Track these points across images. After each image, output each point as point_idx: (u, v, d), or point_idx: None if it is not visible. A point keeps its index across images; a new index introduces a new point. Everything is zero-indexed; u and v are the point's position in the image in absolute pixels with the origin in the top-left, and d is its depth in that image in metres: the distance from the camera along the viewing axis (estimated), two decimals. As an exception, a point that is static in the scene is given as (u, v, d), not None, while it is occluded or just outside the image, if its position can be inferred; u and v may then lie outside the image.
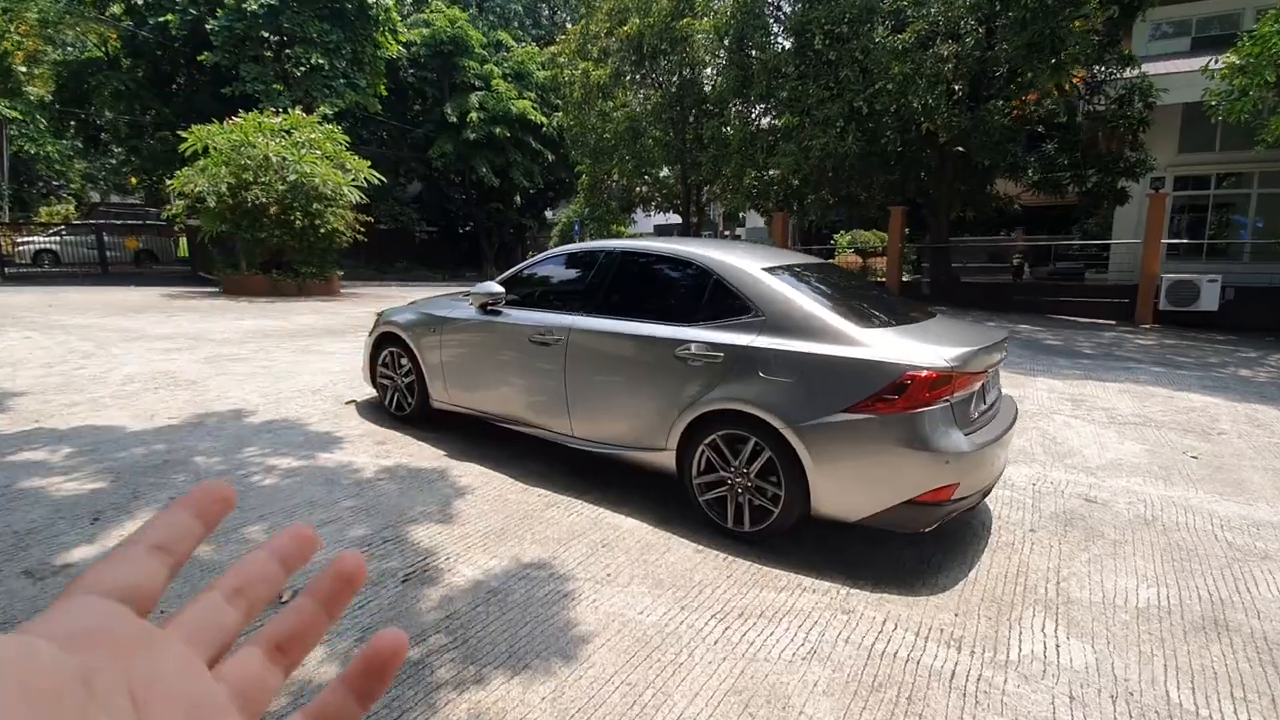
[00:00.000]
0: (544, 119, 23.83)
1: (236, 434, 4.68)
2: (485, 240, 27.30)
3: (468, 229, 29.67)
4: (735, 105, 15.21)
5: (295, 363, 7.22)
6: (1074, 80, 12.61)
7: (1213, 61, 9.67)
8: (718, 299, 3.53)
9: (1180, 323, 12.93)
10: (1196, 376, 7.98)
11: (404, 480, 4.00)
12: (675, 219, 39.13)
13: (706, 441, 3.42)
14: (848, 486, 3.06)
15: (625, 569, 3.06)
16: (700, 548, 3.31)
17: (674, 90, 16.76)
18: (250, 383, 6.22)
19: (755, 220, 35.81)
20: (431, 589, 2.82)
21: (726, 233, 35.67)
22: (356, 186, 14.49)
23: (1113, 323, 13.59)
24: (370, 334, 5.34)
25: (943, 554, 3.34)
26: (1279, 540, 3.56)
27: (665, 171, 18.72)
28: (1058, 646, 2.60)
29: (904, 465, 2.95)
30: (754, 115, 14.48)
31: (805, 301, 3.31)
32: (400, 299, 7.16)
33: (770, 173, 14.42)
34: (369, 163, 14.97)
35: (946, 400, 2.96)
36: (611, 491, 3.93)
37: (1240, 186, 15.04)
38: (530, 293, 4.47)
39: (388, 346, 5.14)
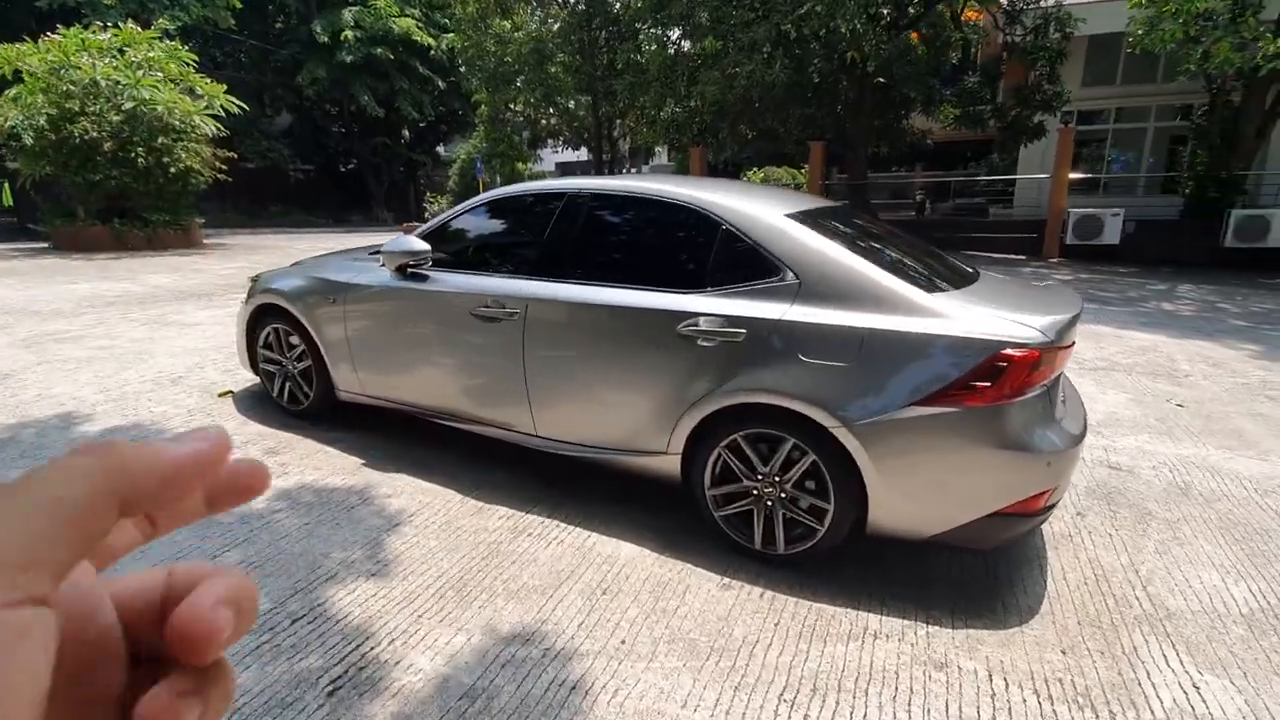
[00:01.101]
0: (432, 40, 21.27)
1: (65, 451, 3.42)
2: (372, 179, 24.64)
3: (350, 167, 26.72)
4: (650, 27, 13.92)
5: (147, 340, 5.75)
6: (997, 6, 12.33)
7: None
8: (732, 257, 2.69)
9: (1084, 256, 13.39)
10: (1128, 313, 8.05)
11: (311, 509, 2.99)
12: (581, 155, 37.32)
13: (725, 443, 2.65)
14: (919, 498, 2.40)
15: (642, 629, 2.28)
16: (725, 580, 2.57)
17: (581, 8, 15.13)
18: (85, 372, 4.80)
19: (661, 157, 34.68)
20: (375, 703, 1.92)
21: (633, 169, 34.38)
22: (212, 116, 12.17)
23: (1022, 257, 13.91)
24: (245, 304, 4.11)
25: (1001, 559, 2.79)
26: (1325, 505, 3.29)
27: (575, 102, 17.18)
28: (1196, 687, 2.09)
29: (995, 469, 2.31)
30: (673, 39, 13.28)
31: (851, 259, 2.53)
32: (279, 250, 5.81)
33: (691, 103, 13.40)
34: (225, 87, 12.58)
35: (1044, 385, 2.31)
36: (593, 504, 3.11)
37: (1138, 120, 15.62)
38: (464, 249, 3.44)
39: (270, 321, 3.96)
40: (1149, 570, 2.72)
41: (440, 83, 22.96)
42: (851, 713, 1.95)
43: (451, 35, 20.21)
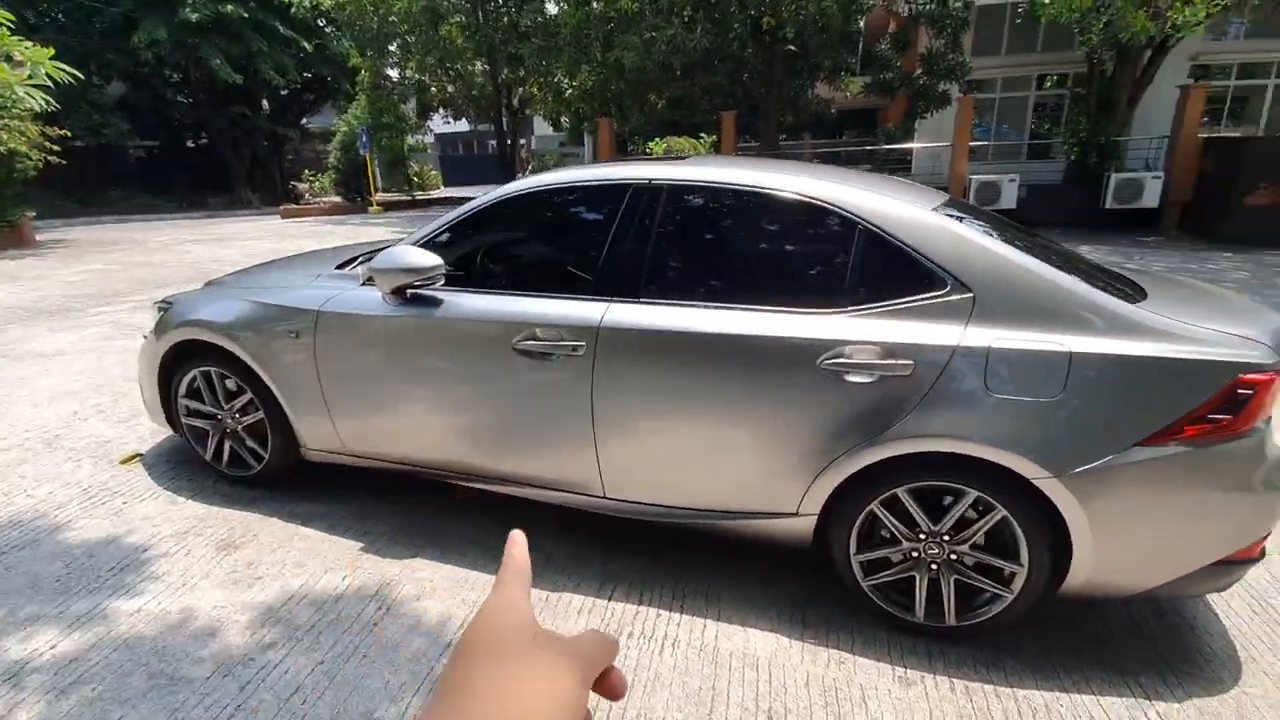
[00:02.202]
0: (293, -4, 18.74)
1: None
2: (232, 155, 21.67)
3: (202, 142, 23.41)
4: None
5: (-9, 383, 4.39)
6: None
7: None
8: (878, 266, 2.12)
9: (987, 220, 14.03)
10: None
11: (318, 636, 2.16)
12: (462, 125, 35.03)
13: (881, 499, 2.12)
14: (1133, 553, 1.99)
15: (848, 772, 1.73)
16: (901, 671, 2.07)
17: None
18: (-97, 439, 3.51)
19: (543, 128, 33.18)
20: None
21: (524, 143, 32.76)
22: (37, 87, 9.86)
23: (931, 223, 14.38)
24: (153, 339, 3.07)
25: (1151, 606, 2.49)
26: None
27: (472, 68, 15.70)
28: None
29: (1226, 513, 1.94)
30: (582, -1, 12.30)
31: (1033, 263, 2.05)
32: (136, 246, 4.69)
33: (606, 70, 12.56)
34: (51, 51, 10.24)
35: (1271, 414, 1.96)
36: (687, 578, 2.50)
37: (1021, 89, 16.49)
38: (484, 262, 2.65)
39: (196, 363, 2.96)
40: (1300, 587, 2.51)
41: (306, 45, 20.35)
42: None
43: (318, -10, 17.93)
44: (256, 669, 2.02)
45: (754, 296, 2.21)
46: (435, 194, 24.41)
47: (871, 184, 2.34)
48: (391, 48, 15.10)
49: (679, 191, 2.35)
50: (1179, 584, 2.02)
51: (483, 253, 2.65)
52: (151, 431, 3.59)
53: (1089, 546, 1.96)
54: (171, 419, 3.13)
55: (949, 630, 2.17)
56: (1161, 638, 2.26)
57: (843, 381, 2.06)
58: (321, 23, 21.54)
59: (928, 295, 2.06)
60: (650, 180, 2.37)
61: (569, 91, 17.15)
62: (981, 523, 2.06)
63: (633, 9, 11.41)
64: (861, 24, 14.37)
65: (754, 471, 2.22)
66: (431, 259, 2.42)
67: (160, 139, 22.35)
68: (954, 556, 2.12)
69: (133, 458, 3.31)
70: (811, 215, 2.22)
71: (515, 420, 2.49)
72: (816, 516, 2.21)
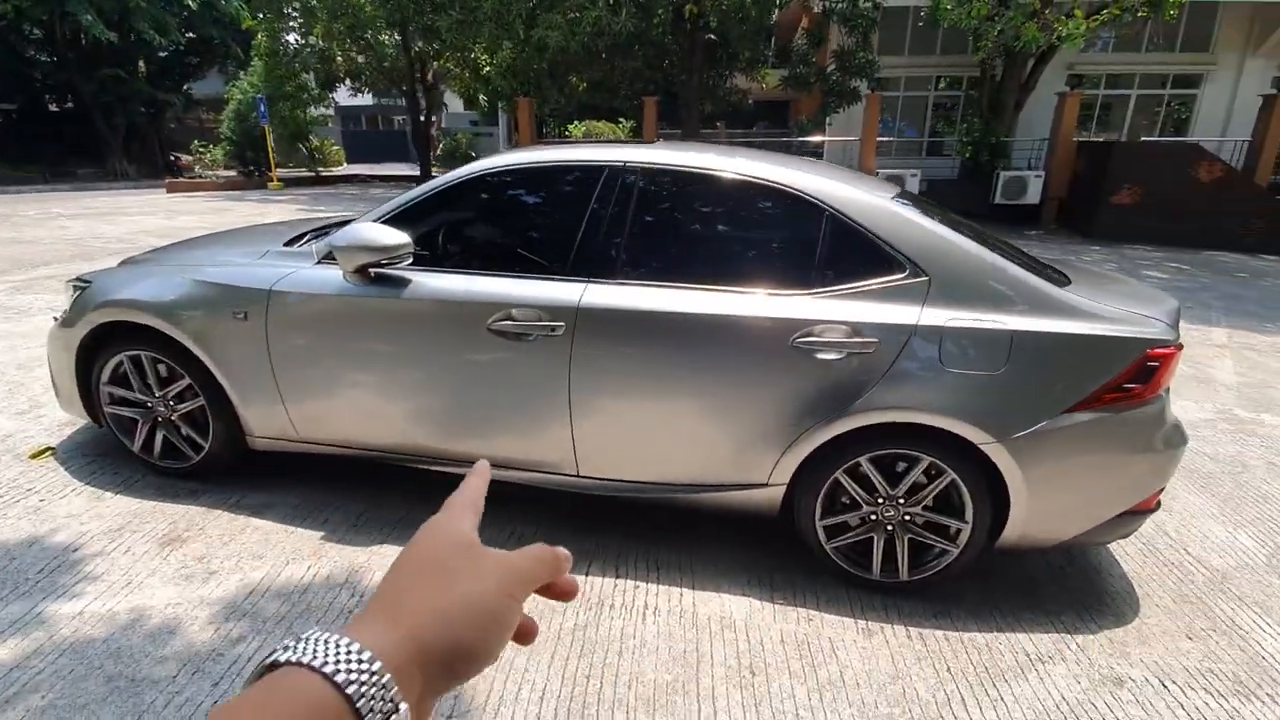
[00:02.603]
0: (175, -52, 17.07)
1: None
2: (104, 123, 19.56)
3: (68, 107, 20.99)
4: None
5: None
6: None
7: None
8: (844, 251, 2.27)
9: (891, 211, 14.90)
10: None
11: (289, 624, 2.09)
12: (366, 100, 33.18)
13: (846, 467, 2.29)
14: (1059, 507, 2.26)
15: (829, 714, 1.88)
16: (862, 623, 2.25)
17: None
18: None
19: (456, 104, 32.05)
20: None
21: (435, 121, 31.50)
22: None
23: (841, 213, 15.12)
24: (65, 323, 2.81)
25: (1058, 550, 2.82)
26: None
27: (385, 38, 14.89)
28: (1306, 653, 2.24)
29: (1133, 471, 2.24)
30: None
31: (981, 250, 2.26)
32: (9, 219, 4.27)
33: (528, 49, 12.30)
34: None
35: (1169, 384, 2.26)
36: (659, 550, 2.58)
37: (921, 89, 17.52)
38: (453, 242, 2.60)
39: (121, 347, 2.74)
40: (1177, 530, 2.92)
41: (190, 2, 18.62)
42: (1096, 770, 1.76)
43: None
44: (228, 664, 1.93)
45: (729, 278, 2.31)
46: (339, 171, 23.10)
47: (836, 174, 2.49)
48: (293, 10, 14.07)
49: (655, 174, 2.40)
50: (1092, 534, 2.31)
51: (451, 232, 2.60)
52: (59, 423, 3.28)
53: (1024, 503, 2.21)
54: (91, 409, 2.88)
55: (903, 585, 2.38)
56: (1075, 582, 2.57)
57: (813, 359, 2.20)
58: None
59: (889, 278, 2.23)
60: (625, 163, 2.41)
61: (487, 69, 16.67)
62: (933, 486, 2.26)
63: (556, -12, 11.23)
64: (782, 17, 14.80)
65: (729, 446, 2.33)
66: (400, 236, 2.36)
67: (18, 103, 19.86)
68: (907, 518, 2.32)
69: (43, 451, 3.02)
70: (783, 202, 2.34)
71: (487, 401, 2.48)
72: (785, 486, 2.35)
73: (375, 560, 2.42)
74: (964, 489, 2.24)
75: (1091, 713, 1.93)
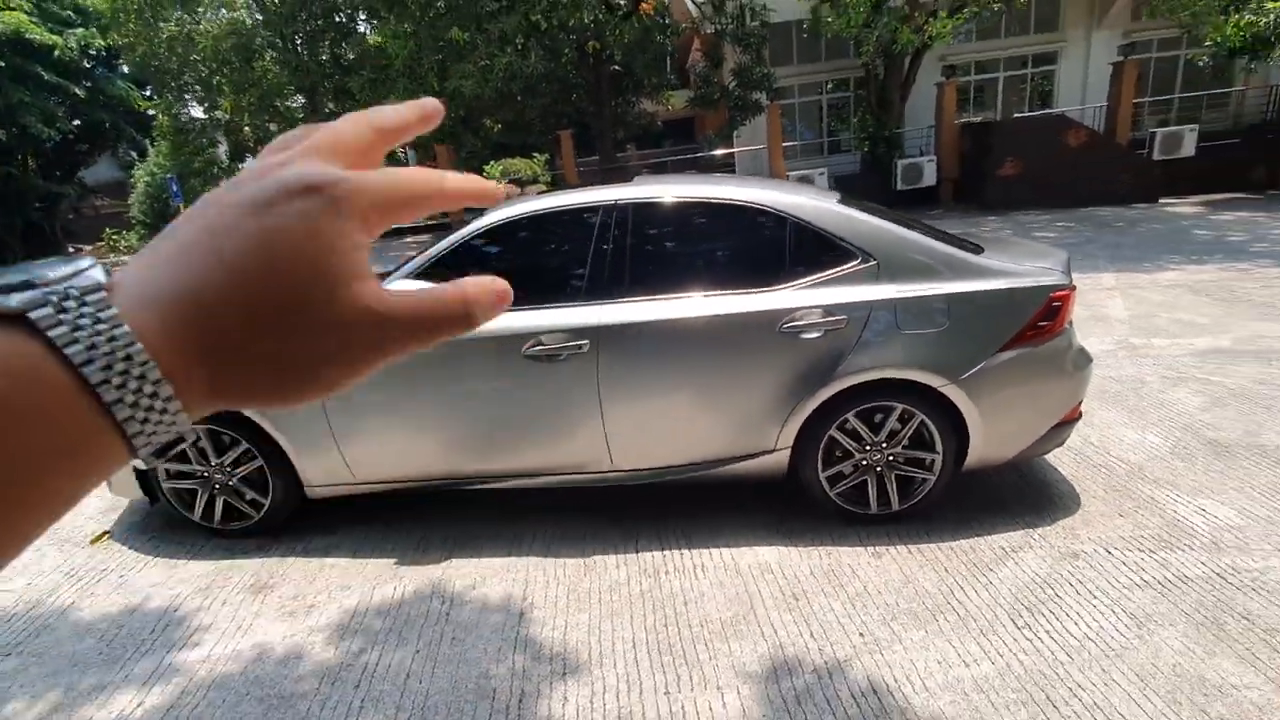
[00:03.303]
0: (56, 39, 16.60)
1: None
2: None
3: (-48, 209, 19.83)
4: (371, 18, 12.68)
5: None
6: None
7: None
8: (807, 249, 2.79)
9: (807, 209, 15.92)
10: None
11: (398, 632, 2.40)
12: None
13: (837, 425, 2.79)
14: (1008, 429, 2.82)
15: (863, 619, 2.34)
16: (872, 549, 2.74)
17: None
18: None
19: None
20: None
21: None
22: None
23: (762, 217, 16.04)
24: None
25: (1009, 470, 3.41)
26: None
27: (294, 103, 14.89)
28: (1203, 509, 2.86)
29: (1058, 389, 2.82)
30: (409, 28, 12.28)
31: (911, 234, 2.82)
32: None
33: (443, 99, 12.66)
34: None
35: (1071, 318, 2.87)
36: (693, 523, 3.01)
37: (813, 94, 18.79)
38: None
39: (174, 425, 2.96)
40: (1099, 439, 3.56)
41: (76, 90, 18.05)
42: (1064, 610, 2.29)
43: (82, 30, 16.10)
44: (359, 671, 2.24)
45: (721, 283, 2.79)
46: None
47: (787, 188, 3.02)
48: (192, 86, 13.95)
49: (640, 207, 2.86)
50: (1035, 447, 2.88)
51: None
52: (102, 510, 3.43)
53: (979, 431, 2.75)
54: (146, 486, 3.08)
55: (896, 514, 2.89)
56: (1029, 490, 3.15)
57: (798, 339, 2.70)
58: (91, 65, 19.24)
59: (847, 266, 2.75)
60: (617, 201, 2.86)
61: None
62: (907, 428, 2.79)
63: (463, 39, 11.66)
64: (677, 43, 15.72)
65: (739, 422, 2.79)
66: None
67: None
68: (892, 458, 2.83)
69: (102, 536, 3.18)
70: (753, 215, 2.84)
71: (528, 419, 2.86)
72: (790, 450, 2.83)
73: (450, 573, 2.75)
74: (932, 426, 2.77)
75: (1058, 580, 2.47)
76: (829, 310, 2.69)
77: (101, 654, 2.39)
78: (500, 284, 0.30)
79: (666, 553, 2.80)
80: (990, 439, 2.79)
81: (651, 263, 2.89)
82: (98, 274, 0.24)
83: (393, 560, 2.87)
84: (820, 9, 12.42)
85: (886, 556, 2.69)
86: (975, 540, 2.76)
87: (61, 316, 0.22)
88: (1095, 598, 2.36)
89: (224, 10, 13.67)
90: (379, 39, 11.36)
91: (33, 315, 0.22)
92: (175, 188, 14.89)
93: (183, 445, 2.98)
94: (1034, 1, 15.57)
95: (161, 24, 12.77)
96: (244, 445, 2.96)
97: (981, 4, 10.83)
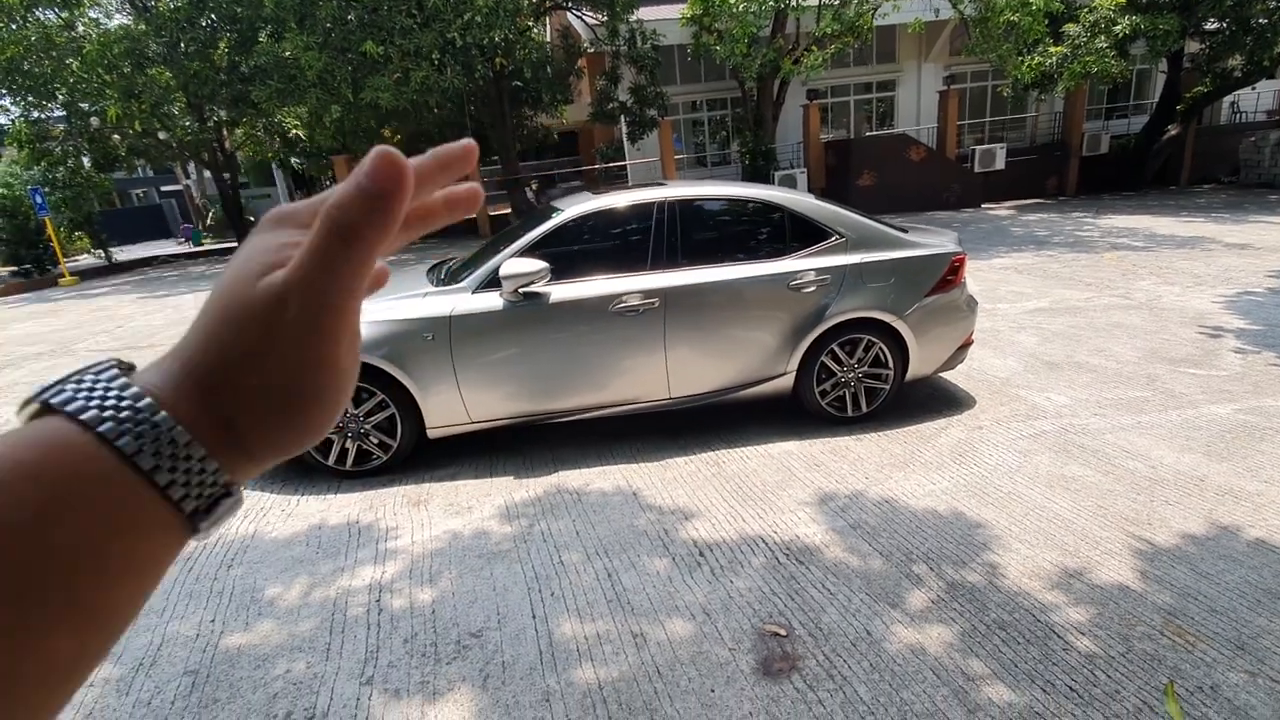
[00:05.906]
0: None
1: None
2: None
3: None
4: (277, 30, 12.64)
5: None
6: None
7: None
8: (800, 231, 3.98)
9: (699, 216, 17.55)
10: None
11: (551, 511, 3.28)
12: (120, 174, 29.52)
13: (825, 353, 3.99)
14: (932, 350, 4.16)
15: (873, 473, 3.55)
16: (855, 437, 3.98)
17: (185, 3, 12.52)
18: None
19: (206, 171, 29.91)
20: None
21: (187, 184, 29.09)
22: None
23: (659, 223, 17.47)
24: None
25: (924, 386, 4.81)
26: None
27: (178, 110, 14.17)
28: (1049, 397, 4.38)
29: (960, 322, 4.21)
30: (319, 40, 12.35)
31: (866, 218, 4.10)
32: None
33: (359, 110, 12.86)
34: None
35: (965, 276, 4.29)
36: (724, 429, 4.10)
37: (695, 111, 20.60)
38: (568, 262, 3.85)
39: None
40: (978, 366, 5.08)
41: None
42: (981, 454, 3.63)
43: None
44: (539, 535, 3.10)
45: (748, 255, 3.91)
46: (130, 254, 20.76)
47: (780, 188, 4.21)
48: (58, 92, 13.00)
49: (682, 203, 3.92)
50: (947, 364, 4.26)
51: (563, 255, 3.87)
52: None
53: (915, 353, 4.08)
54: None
55: (865, 415, 4.15)
56: (942, 396, 4.55)
57: (801, 293, 3.88)
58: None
59: (828, 241, 3.98)
60: (665, 198, 3.90)
61: (294, 131, 16.57)
62: (870, 353, 4.06)
63: (377, 53, 12.01)
64: (581, 64, 16.81)
65: (762, 354, 3.93)
66: (542, 264, 3.62)
67: None
68: (862, 376, 4.09)
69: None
70: (765, 208, 4.00)
71: (611, 362, 3.81)
72: (794, 374, 4.00)
73: (563, 480, 3.64)
74: (886, 351, 4.06)
75: (974, 441, 3.83)
76: (820, 272, 3.90)
77: (320, 552, 3.06)
78: (376, 150, 0.29)
79: (719, 451, 3.87)
80: (921, 359, 4.13)
81: (698, 241, 3.96)
82: (112, 363, 0.27)
83: (511, 477, 3.70)
84: (704, 37, 14.03)
85: (867, 440, 3.94)
86: (918, 426, 4.09)
87: (88, 401, 0.25)
88: (998, 446, 3.73)
89: (108, 16, 12.86)
90: (288, 50, 11.37)
91: (55, 401, 0.25)
92: (39, 199, 13.73)
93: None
94: (876, 37, 18.31)
95: (30, 24, 11.84)
96: (379, 396, 3.66)
97: (846, 42, 12.90)
